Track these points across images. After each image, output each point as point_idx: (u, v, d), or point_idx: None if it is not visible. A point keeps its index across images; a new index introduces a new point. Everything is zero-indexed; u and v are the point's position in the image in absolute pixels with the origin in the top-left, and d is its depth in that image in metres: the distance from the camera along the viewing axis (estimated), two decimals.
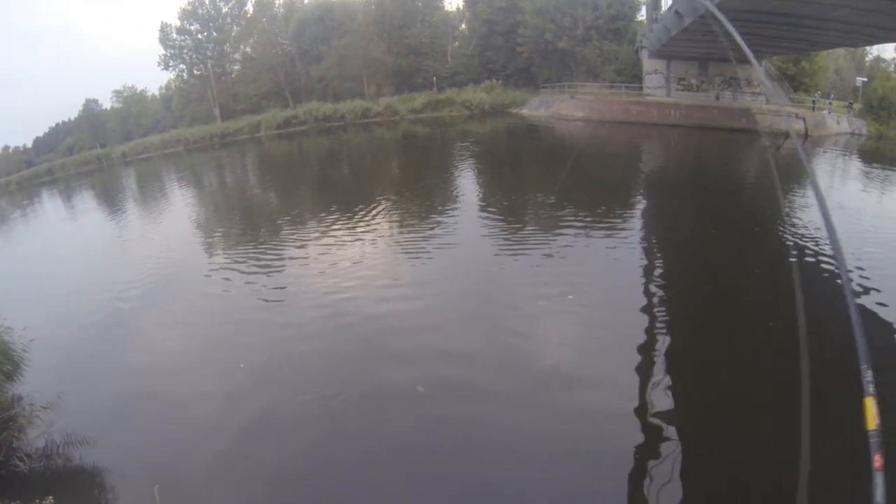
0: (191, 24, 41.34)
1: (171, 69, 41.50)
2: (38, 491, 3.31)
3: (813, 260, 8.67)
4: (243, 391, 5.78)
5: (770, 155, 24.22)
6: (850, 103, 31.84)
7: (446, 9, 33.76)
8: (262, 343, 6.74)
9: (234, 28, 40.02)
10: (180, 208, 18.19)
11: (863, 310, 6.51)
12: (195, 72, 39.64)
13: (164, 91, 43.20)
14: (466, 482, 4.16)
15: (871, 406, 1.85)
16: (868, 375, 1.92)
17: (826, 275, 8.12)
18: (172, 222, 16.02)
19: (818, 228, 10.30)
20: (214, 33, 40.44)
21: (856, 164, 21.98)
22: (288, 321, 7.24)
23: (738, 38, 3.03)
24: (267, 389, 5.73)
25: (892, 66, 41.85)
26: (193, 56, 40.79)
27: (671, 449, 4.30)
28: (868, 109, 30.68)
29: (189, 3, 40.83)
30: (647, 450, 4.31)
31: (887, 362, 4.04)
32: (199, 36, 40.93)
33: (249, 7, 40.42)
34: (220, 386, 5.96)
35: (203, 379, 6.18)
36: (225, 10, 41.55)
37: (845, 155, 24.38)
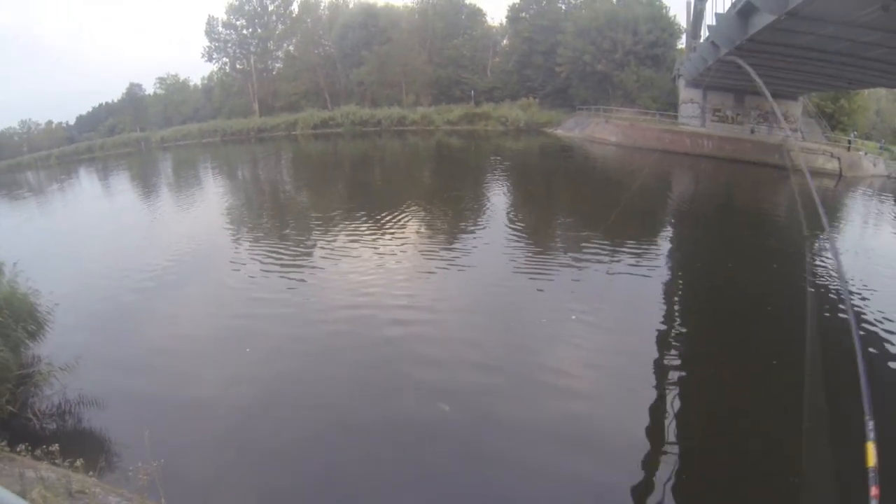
0: (237, 20, 42.64)
1: (214, 61, 42.89)
2: (46, 443, 3.48)
3: (829, 304, 8.79)
4: (246, 374, 6.02)
5: (797, 191, 24.17)
6: (883, 144, 31.46)
7: (489, 23, 34.37)
8: (272, 333, 6.99)
9: (279, 26, 41.19)
10: (212, 197, 18.72)
11: (871, 358, 6.68)
12: (237, 66, 40.88)
13: (205, 82, 44.58)
14: (471, 482, 4.37)
15: (871, 449, 2.11)
16: (870, 425, 2.18)
17: (840, 319, 8.19)
18: (204, 210, 16.53)
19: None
20: (259, 30, 41.65)
21: (889, 208, 21.82)
22: (302, 317, 7.49)
23: (754, 75, 3.39)
24: (267, 375, 5.99)
25: None
26: (237, 50, 42.07)
27: (673, 469, 4.55)
28: None
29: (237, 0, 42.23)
30: (651, 468, 4.55)
31: (888, 407, 4.35)
32: (245, 31, 42.18)
33: (295, 7, 41.64)
34: (225, 367, 6.21)
35: (211, 358, 6.48)
36: (271, 7, 42.77)
37: (880, 197, 24.19)
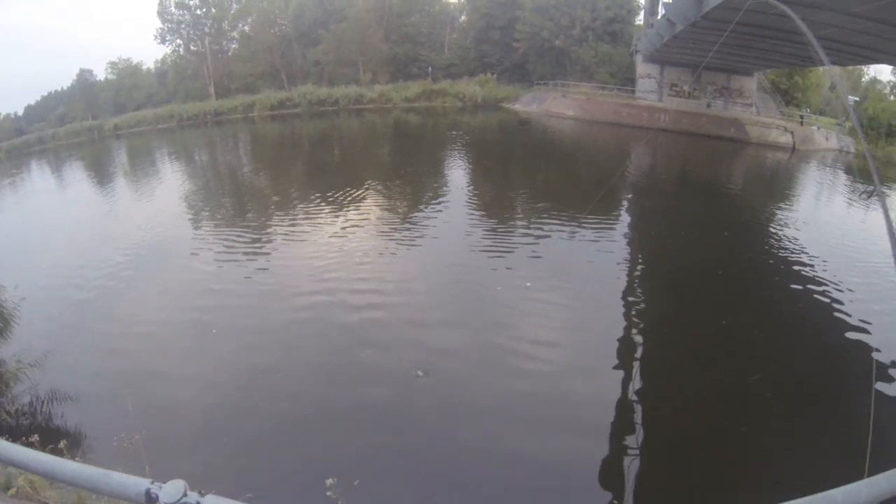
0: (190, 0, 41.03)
1: (167, 43, 41.10)
2: (25, 436, 3.42)
3: (779, 267, 9.09)
4: (216, 354, 6.06)
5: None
6: (843, 121, 32.41)
7: (447, 0, 33.80)
8: (237, 313, 7.00)
9: (234, 6, 39.64)
10: (170, 184, 18.22)
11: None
12: (192, 48, 39.24)
13: (159, 65, 42.79)
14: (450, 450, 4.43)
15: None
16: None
17: (792, 280, 8.50)
18: (161, 198, 16.11)
19: (788, 240, 10.83)
20: (213, 10, 39.97)
21: (840, 180, 22.54)
22: (263, 306, 7.43)
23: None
24: (235, 365, 5.97)
25: (888, 87, 42.58)
26: (191, 32, 40.34)
27: (639, 436, 4.55)
28: (857, 129, 31.23)
29: None
30: (621, 435, 4.55)
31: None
32: (198, 12, 40.43)
33: None
34: (192, 359, 6.18)
35: (177, 350, 6.42)
36: None
37: (831, 170, 24.92)
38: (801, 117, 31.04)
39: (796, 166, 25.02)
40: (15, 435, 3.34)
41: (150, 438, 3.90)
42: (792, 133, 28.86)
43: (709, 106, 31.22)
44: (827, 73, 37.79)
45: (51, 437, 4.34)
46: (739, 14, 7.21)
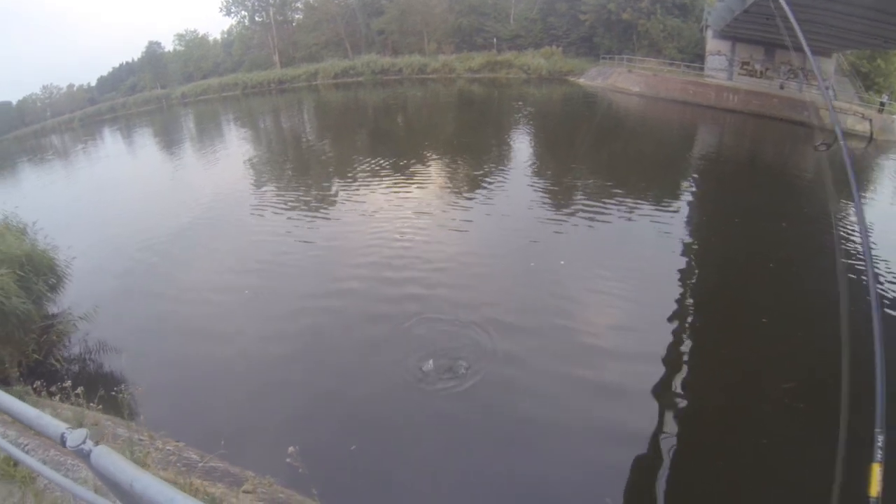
0: None
1: (233, 15, 42.71)
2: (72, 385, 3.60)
3: (835, 266, 8.76)
4: (259, 328, 6.08)
5: (824, 155, 23.61)
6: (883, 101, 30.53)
7: None
8: (284, 280, 7.17)
9: None
10: (233, 151, 19.05)
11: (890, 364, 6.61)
12: (256, 18, 40.63)
13: (225, 36, 44.54)
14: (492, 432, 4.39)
15: (876, 473, 1.73)
16: (880, 440, 1.79)
17: (845, 282, 7.97)
18: (225, 162, 16.89)
19: (852, 239, 10.06)
20: None
21: None
22: (320, 271, 7.55)
23: (794, 23, 2.74)
24: (286, 329, 6.06)
25: None
26: (256, 3, 41.70)
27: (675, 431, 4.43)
28: None
29: None
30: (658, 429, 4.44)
31: None
32: None
33: None
34: (230, 311, 6.48)
35: (217, 304, 6.75)
36: None
37: None
38: (882, 104, 29.20)
39: (872, 157, 23.84)
40: (63, 381, 3.55)
41: (149, 391, 4.36)
42: (870, 121, 27.30)
43: (782, 87, 29.84)
44: None
45: (93, 383, 4.48)
46: None
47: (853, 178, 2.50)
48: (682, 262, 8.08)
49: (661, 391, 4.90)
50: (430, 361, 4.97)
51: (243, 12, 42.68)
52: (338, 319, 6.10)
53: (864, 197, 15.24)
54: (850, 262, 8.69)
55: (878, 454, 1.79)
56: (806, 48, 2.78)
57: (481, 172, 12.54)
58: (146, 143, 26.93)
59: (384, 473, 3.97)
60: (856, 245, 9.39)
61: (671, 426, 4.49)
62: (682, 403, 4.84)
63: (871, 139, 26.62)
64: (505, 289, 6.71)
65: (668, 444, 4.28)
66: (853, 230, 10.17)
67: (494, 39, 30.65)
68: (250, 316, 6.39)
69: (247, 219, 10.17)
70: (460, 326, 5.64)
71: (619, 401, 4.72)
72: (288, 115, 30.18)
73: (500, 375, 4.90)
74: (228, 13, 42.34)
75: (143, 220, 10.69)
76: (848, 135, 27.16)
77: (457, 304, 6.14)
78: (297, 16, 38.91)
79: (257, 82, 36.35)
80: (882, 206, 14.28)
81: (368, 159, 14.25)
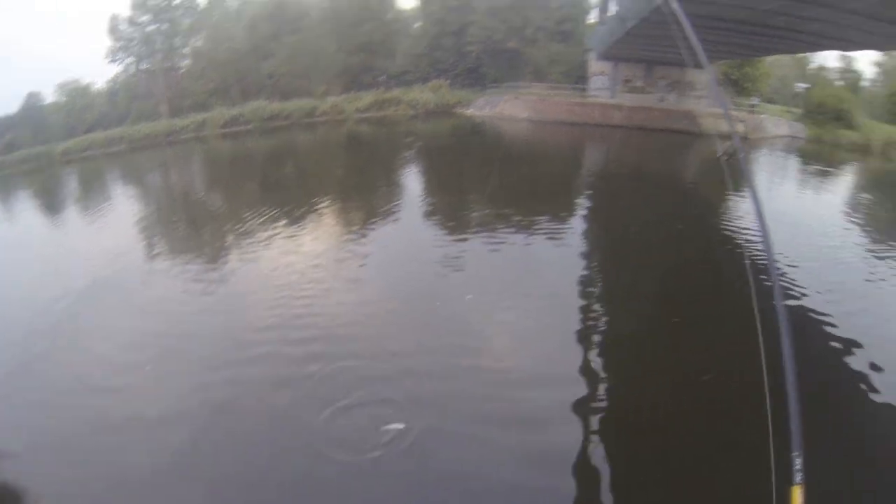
0: (141, 16, 40.00)
1: (118, 62, 40.08)
2: None
3: (733, 256, 9.00)
4: (148, 396, 5.57)
5: (724, 161, 25.21)
6: (792, 108, 33.28)
7: (400, 7, 33.69)
8: (179, 351, 6.48)
9: (186, 21, 38.83)
10: (121, 210, 17.52)
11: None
12: (143, 66, 38.30)
13: (110, 85, 41.58)
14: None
15: (797, 495, 1.69)
16: (798, 464, 1.74)
17: (744, 269, 8.27)
18: (112, 225, 15.50)
19: (741, 228, 10.76)
20: (165, 26, 39.17)
21: (792, 164, 23.12)
22: (215, 329, 6.99)
23: (693, 39, 2.91)
24: (172, 399, 5.53)
25: (834, 73, 44.04)
26: (142, 49, 39.39)
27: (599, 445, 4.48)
28: (807, 114, 32.26)
29: None
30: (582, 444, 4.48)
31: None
32: (149, 28, 39.61)
33: (202, 0, 39.35)
34: (133, 393, 5.72)
35: (119, 387, 5.93)
36: (177, 1, 40.35)
37: (782, 155, 25.48)
38: (752, 106, 31.87)
39: (747, 155, 25.46)
40: None
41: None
42: (743, 122, 29.42)
43: (662, 100, 31.71)
44: (775, 63, 38.89)
45: None
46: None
47: (751, 179, 2.60)
48: (585, 277, 8.18)
49: (584, 409, 4.88)
50: (347, 426, 4.56)
51: (129, 59, 40.23)
52: (243, 390, 5.54)
53: (744, 193, 16.23)
54: (738, 252, 9.06)
55: (797, 477, 1.74)
56: (705, 62, 2.95)
57: (376, 214, 12.33)
58: (24, 208, 24.17)
59: None
60: (749, 239, 9.88)
61: (601, 441, 4.48)
62: (607, 415, 4.85)
63: (745, 138, 28.58)
64: (413, 335, 6.40)
65: (599, 457, 4.28)
66: (746, 226, 10.75)
67: (383, 77, 30.46)
68: (152, 398, 5.66)
69: (139, 287, 9.15)
70: (373, 383, 5.27)
71: (545, 430, 4.62)
72: (177, 169, 28.49)
73: (422, 429, 4.56)
74: (114, 60, 39.79)
75: (16, 301, 9.22)
76: (724, 137, 29.14)
77: (367, 359, 5.76)
78: (184, 62, 37.03)
79: (144, 135, 33.96)
80: (767, 196, 15.82)
81: (261, 211, 13.59)
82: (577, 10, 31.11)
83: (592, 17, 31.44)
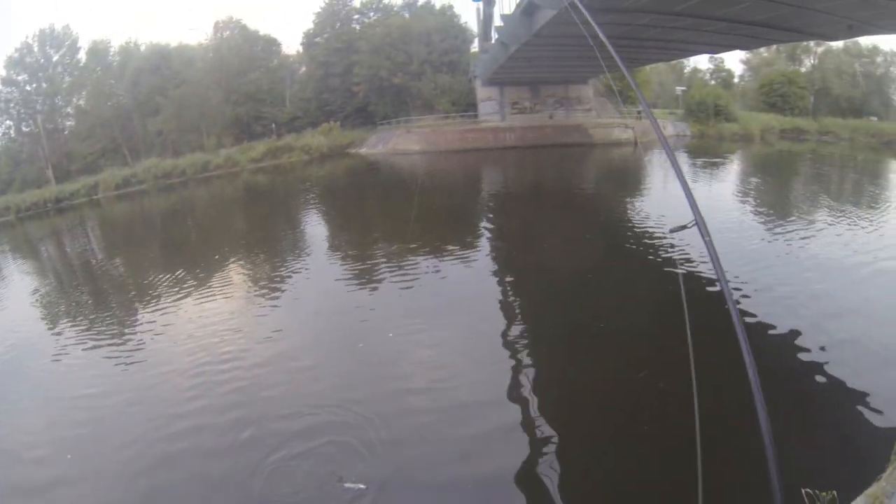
0: (18, 75, 37.63)
1: None
2: None
3: (644, 256, 9.74)
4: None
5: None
6: (674, 110, 36.68)
7: (285, 52, 33.90)
8: (97, 435, 6.10)
9: (66, 78, 36.94)
10: (14, 288, 15.99)
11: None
12: (23, 128, 36.03)
13: None
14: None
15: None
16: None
17: (660, 265, 8.94)
18: (5, 305, 14.05)
19: (646, 227, 11.64)
20: (44, 84, 37.07)
21: (683, 159, 25.37)
22: (132, 414, 6.55)
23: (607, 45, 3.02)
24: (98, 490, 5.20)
25: (707, 74, 48.95)
26: (21, 111, 37.10)
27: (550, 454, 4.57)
28: (689, 113, 35.62)
29: (16, 51, 37.17)
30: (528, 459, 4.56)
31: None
32: (28, 88, 37.36)
33: (82, 55, 37.58)
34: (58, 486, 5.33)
35: (40, 483, 5.45)
36: (55, 58, 38.22)
37: (674, 152, 27.83)
38: (639, 113, 34.46)
39: (641, 157, 27.84)
40: None
41: None
42: (632, 128, 32.08)
43: (551, 117, 33.98)
44: (654, 70, 42.65)
45: None
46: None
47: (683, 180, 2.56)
48: (503, 296, 8.35)
49: (525, 425, 4.96)
50: (288, 483, 4.38)
51: (8, 122, 37.71)
52: (171, 473, 5.21)
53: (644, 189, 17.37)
54: (648, 249, 9.85)
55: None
56: (622, 67, 3.03)
57: (283, 265, 12.18)
58: None
59: None
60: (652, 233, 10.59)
61: (551, 454, 4.54)
62: (550, 427, 4.90)
63: (636, 144, 31.17)
64: (342, 386, 6.19)
65: (551, 472, 4.31)
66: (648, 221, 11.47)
67: (273, 125, 30.64)
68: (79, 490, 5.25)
69: (45, 374, 8.47)
70: (311, 446, 5.08)
71: (490, 456, 4.65)
72: (71, 237, 26.93)
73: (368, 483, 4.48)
74: None
75: None
76: (617, 144, 31.72)
77: (299, 421, 5.56)
78: (68, 122, 35.24)
79: (32, 203, 31.92)
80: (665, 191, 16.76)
81: (166, 275, 12.91)
82: (459, 40, 32.77)
83: (475, 46, 33.23)
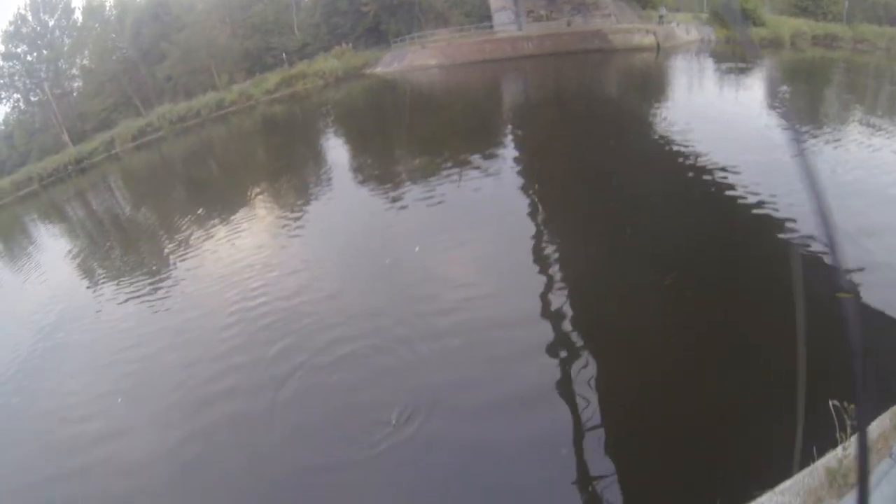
0: (17, 47, 36.93)
1: (4, 102, 37.17)
2: None
3: (669, 160, 9.14)
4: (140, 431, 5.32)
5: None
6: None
7: None
8: (147, 375, 6.24)
9: (66, 41, 36.08)
10: (49, 251, 16.47)
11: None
12: (32, 98, 35.61)
13: (2, 128, 38.54)
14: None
15: None
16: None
17: (684, 169, 8.35)
18: (43, 267, 14.41)
19: (671, 132, 10.83)
20: (45, 52, 36.32)
21: (709, 64, 23.91)
22: (177, 356, 6.62)
23: None
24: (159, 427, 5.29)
25: None
26: (27, 82, 36.58)
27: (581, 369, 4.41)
28: (714, 17, 33.21)
29: (11, 24, 36.37)
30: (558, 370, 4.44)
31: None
32: (29, 58, 36.70)
33: (78, 16, 36.51)
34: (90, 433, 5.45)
35: (90, 432, 5.58)
36: (52, 23, 37.27)
37: (697, 59, 26.28)
38: (660, 17, 32.42)
39: (664, 63, 26.22)
40: None
41: None
42: (654, 33, 30.10)
43: (569, 24, 31.95)
44: None
45: None
46: None
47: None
48: (529, 207, 8.08)
49: (558, 342, 4.78)
50: (394, 415, 4.25)
51: (16, 95, 37.31)
52: (226, 405, 5.19)
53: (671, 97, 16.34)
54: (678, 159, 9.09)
55: None
56: None
57: (306, 193, 12.05)
58: None
59: None
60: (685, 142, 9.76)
61: (586, 371, 4.35)
62: (583, 344, 4.73)
63: (659, 48, 29.32)
64: (371, 313, 6.06)
65: (588, 377, 4.15)
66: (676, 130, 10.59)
67: (284, 55, 29.44)
68: (137, 431, 5.36)
69: (89, 325, 8.64)
70: (345, 377, 5.04)
71: (520, 376, 4.49)
72: (95, 194, 27.03)
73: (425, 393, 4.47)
74: None
75: None
76: (638, 49, 29.90)
77: (331, 353, 5.50)
78: (76, 84, 34.62)
79: (52, 169, 31.88)
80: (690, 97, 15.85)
81: (191, 218, 13.14)
82: None
83: None
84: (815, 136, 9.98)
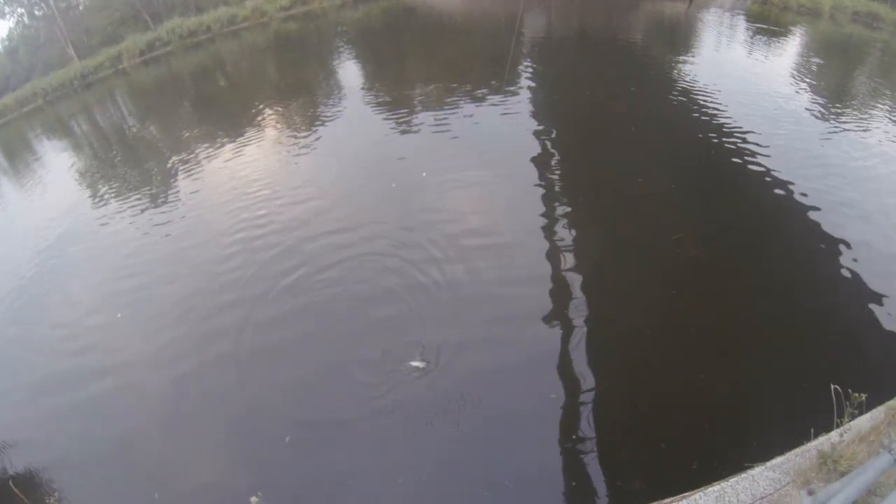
0: None
1: (8, 17, 36.00)
2: None
3: (691, 117, 8.94)
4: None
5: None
6: None
7: None
8: (153, 289, 6.49)
9: None
10: (55, 167, 16.39)
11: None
12: (36, 12, 34.52)
13: (6, 43, 37.47)
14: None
15: None
16: None
17: (702, 128, 8.17)
18: (48, 184, 14.48)
19: (696, 89, 10.42)
20: None
21: (740, 23, 23.04)
22: (183, 258, 6.93)
23: None
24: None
25: None
26: None
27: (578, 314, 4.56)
28: None
29: None
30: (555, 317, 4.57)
31: None
32: None
33: None
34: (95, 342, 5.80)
35: (94, 344, 5.95)
36: None
37: (730, 16, 25.29)
38: None
39: (694, 16, 25.26)
40: None
41: None
42: None
43: None
44: None
45: None
46: None
47: None
48: (539, 140, 8.08)
49: (559, 283, 5.00)
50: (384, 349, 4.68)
51: (20, 10, 36.09)
52: (234, 316, 5.67)
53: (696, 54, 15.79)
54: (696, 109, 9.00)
55: None
56: None
57: (317, 116, 11.92)
58: None
59: None
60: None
61: (585, 306, 4.64)
62: (588, 278, 4.97)
63: (691, 1, 28.19)
64: (375, 236, 6.42)
65: (580, 317, 4.43)
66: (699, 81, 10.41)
67: None
68: (143, 342, 5.78)
69: (96, 240, 8.80)
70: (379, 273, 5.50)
71: (535, 288, 4.83)
72: (101, 109, 26.62)
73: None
74: (2, 15, 35.65)
75: None
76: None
77: (337, 288, 5.92)
78: None
79: (57, 84, 31.17)
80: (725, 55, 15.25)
81: (201, 134, 13.13)
82: None
83: None
84: (839, 118, 9.73)
